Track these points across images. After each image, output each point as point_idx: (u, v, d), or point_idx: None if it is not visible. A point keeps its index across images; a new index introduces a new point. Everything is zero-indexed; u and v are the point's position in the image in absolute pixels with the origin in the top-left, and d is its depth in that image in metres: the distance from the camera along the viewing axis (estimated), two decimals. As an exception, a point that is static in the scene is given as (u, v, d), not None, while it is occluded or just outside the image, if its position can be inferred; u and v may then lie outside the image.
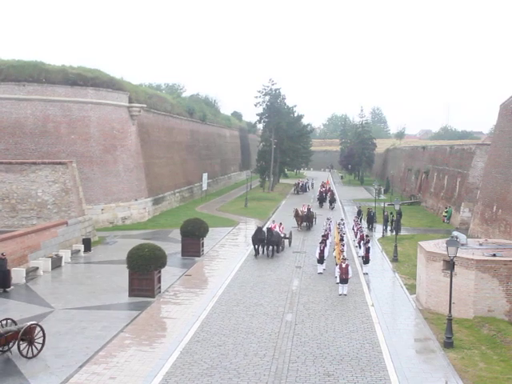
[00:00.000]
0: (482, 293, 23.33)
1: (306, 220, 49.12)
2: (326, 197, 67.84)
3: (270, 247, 36.51)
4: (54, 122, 46.05)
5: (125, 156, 50.79)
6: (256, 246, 36.31)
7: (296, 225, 48.58)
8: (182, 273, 31.43)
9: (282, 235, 38.82)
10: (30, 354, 18.36)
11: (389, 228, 46.81)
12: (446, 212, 55.58)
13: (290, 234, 41.01)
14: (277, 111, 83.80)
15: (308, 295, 27.20)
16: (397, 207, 42.45)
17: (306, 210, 50.42)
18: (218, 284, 29.08)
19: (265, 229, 38.70)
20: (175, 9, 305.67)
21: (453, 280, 21.34)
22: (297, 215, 48.71)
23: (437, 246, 26.22)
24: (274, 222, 42.20)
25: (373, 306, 25.54)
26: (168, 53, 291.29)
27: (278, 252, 36.99)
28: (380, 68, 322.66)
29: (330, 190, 73.51)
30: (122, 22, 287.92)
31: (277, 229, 38.61)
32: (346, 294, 27.12)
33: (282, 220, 44.92)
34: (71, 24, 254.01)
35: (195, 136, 79.16)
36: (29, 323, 18.97)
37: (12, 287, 27.24)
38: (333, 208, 64.10)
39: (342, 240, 34.75)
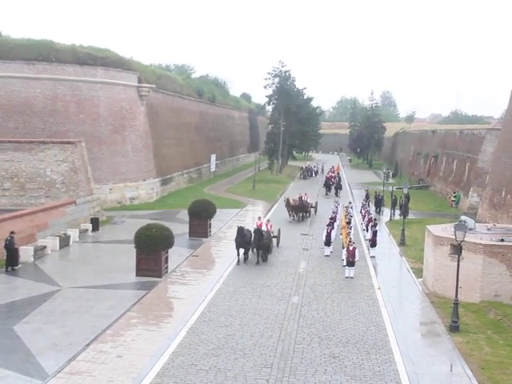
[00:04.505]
0: (489, 277, 23.29)
1: (299, 210, 44.19)
2: (333, 183, 65.85)
3: (260, 251, 29.94)
4: (63, 102, 46.06)
5: (133, 136, 50.80)
6: (239, 251, 29.82)
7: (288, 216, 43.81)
8: (190, 253, 31.50)
9: (271, 235, 32.78)
10: None
11: (397, 212, 46.67)
12: (454, 196, 55.39)
13: (279, 231, 34.56)
14: (286, 93, 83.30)
15: (315, 277, 27.22)
16: (405, 191, 42.34)
17: (297, 198, 44.49)
18: (225, 265, 29.16)
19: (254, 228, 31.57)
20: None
21: (460, 264, 21.25)
22: (288, 205, 43.36)
23: (445, 230, 26.13)
24: (260, 218, 35.81)
25: (379, 289, 25.55)
26: (178, 33, 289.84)
27: (265, 259, 30.29)
28: (390, 51, 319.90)
29: (337, 176, 70.94)
30: (132, 1, 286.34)
31: (264, 227, 32.05)
32: (352, 277, 27.13)
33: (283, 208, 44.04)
34: (81, 3, 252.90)
35: (204, 117, 78.98)
36: None
37: (20, 265, 27.40)
38: (338, 196, 60.31)
39: (349, 223, 34.70)
